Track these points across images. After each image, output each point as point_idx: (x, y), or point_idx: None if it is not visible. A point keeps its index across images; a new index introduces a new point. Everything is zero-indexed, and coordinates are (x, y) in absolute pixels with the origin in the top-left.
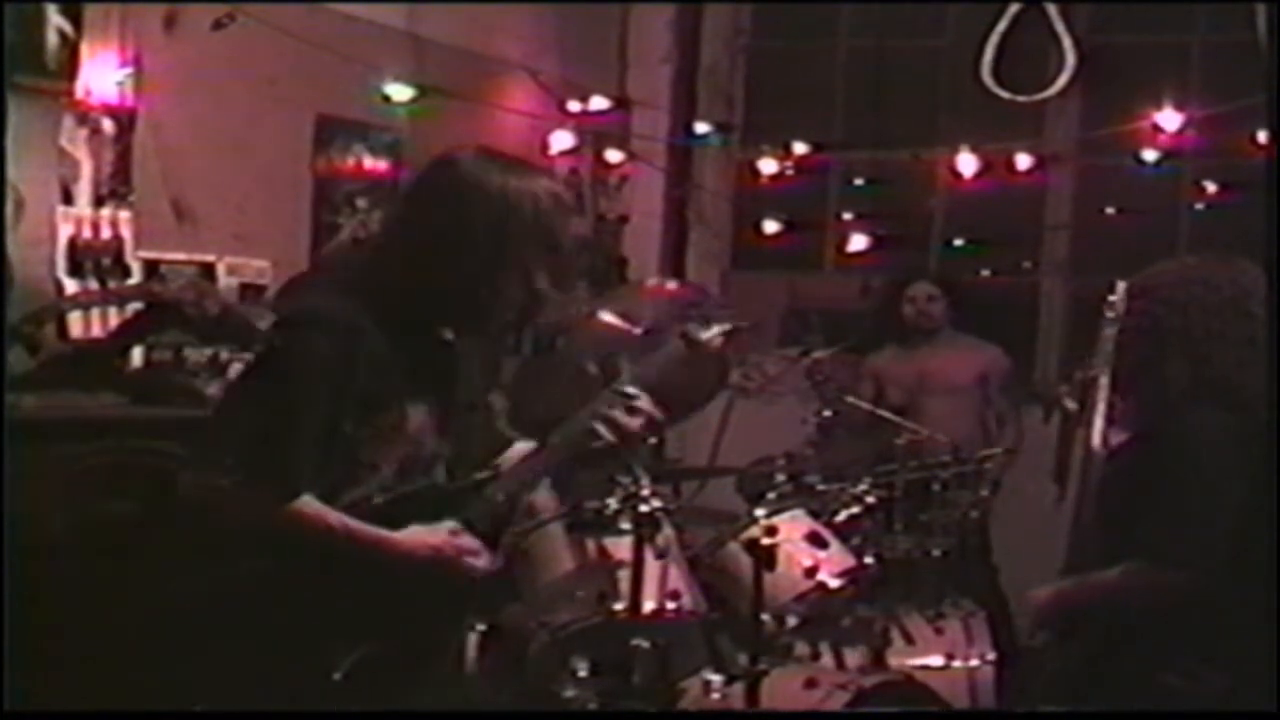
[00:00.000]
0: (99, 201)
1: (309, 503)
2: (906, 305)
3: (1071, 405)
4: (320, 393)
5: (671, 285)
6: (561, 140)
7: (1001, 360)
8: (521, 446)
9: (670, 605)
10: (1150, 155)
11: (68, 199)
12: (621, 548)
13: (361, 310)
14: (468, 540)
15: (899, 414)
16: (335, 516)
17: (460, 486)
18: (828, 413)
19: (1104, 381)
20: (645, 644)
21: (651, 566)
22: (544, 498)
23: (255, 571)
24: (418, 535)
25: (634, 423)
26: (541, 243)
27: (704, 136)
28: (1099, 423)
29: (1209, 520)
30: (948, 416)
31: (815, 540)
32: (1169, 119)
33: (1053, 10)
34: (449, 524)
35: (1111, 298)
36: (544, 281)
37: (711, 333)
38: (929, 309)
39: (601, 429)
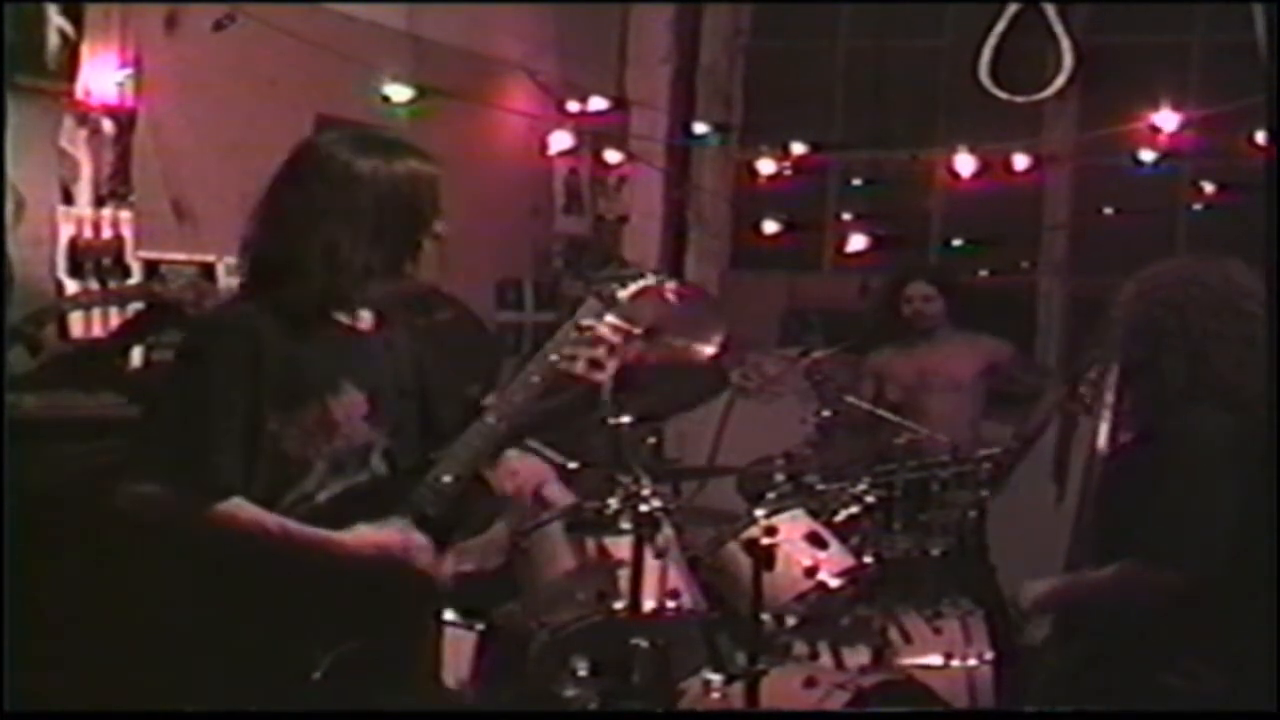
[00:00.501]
0: (99, 202)
1: (242, 505)
2: (904, 305)
3: (1076, 404)
4: (230, 393)
5: (671, 284)
6: (561, 140)
7: (1005, 349)
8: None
9: (670, 605)
10: (1148, 156)
11: (68, 199)
12: (621, 547)
13: (255, 306)
14: (414, 536)
15: (900, 412)
16: (272, 519)
17: (402, 475)
18: (827, 413)
19: (1110, 381)
20: (645, 643)
21: (651, 566)
22: (555, 490)
23: (218, 577)
24: (363, 534)
25: (591, 352)
26: (393, 220)
27: (703, 137)
28: (1104, 422)
29: (1205, 519)
30: (950, 414)
31: (815, 540)
32: (1167, 119)
33: (1051, 11)
34: (398, 522)
35: (1118, 298)
36: (390, 257)
37: (628, 290)
38: (925, 309)
39: (574, 367)
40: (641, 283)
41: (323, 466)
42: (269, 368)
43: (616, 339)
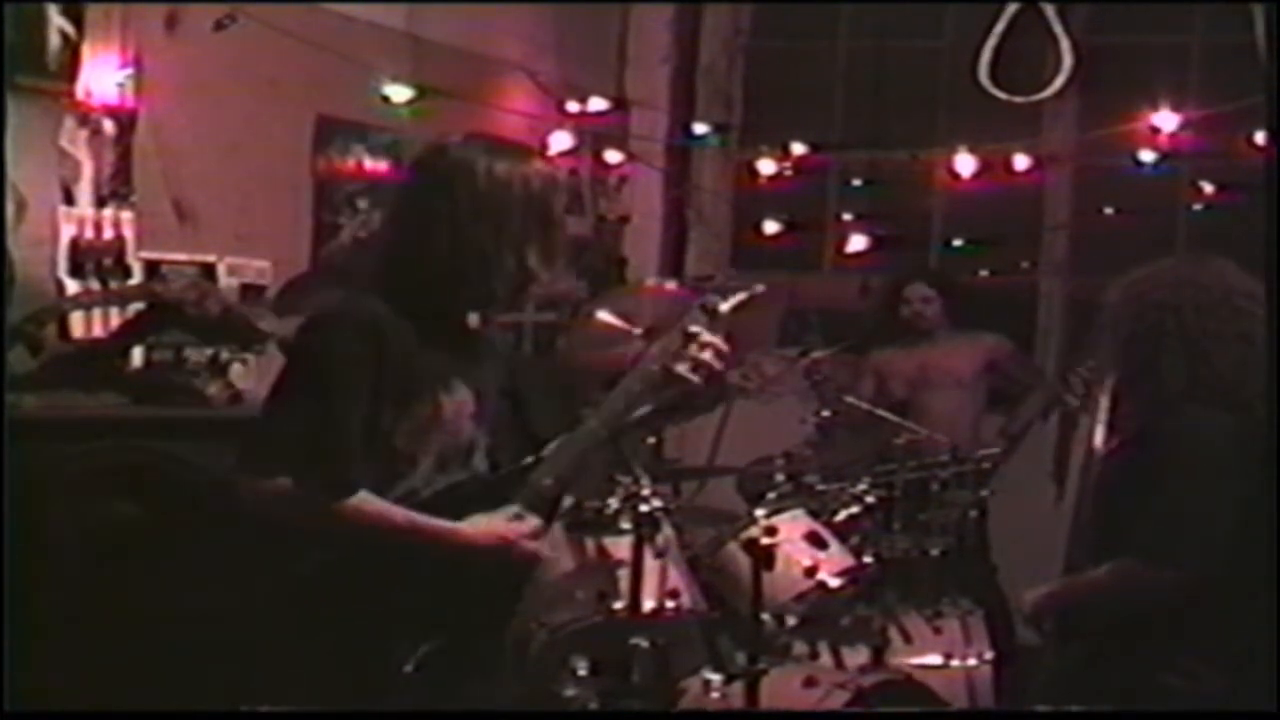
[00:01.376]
0: (100, 202)
1: (368, 499)
2: (903, 307)
3: (1074, 401)
4: (357, 389)
5: (671, 285)
6: (561, 141)
7: (1004, 346)
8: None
9: (670, 604)
10: (1148, 156)
11: (69, 199)
12: (621, 547)
13: (380, 303)
14: (530, 524)
15: (901, 412)
16: (399, 511)
17: (505, 474)
18: (827, 413)
19: (1105, 382)
20: (645, 643)
21: (651, 566)
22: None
23: (323, 568)
24: (482, 524)
25: (705, 356)
26: (533, 221)
27: (703, 137)
28: (1099, 424)
29: (1204, 518)
30: (951, 413)
31: (815, 540)
32: (1166, 120)
33: (1051, 11)
34: (510, 509)
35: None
36: (535, 259)
37: (730, 302)
38: (924, 310)
39: (679, 369)
40: (744, 294)
41: (429, 463)
42: (390, 363)
43: (720, 346)
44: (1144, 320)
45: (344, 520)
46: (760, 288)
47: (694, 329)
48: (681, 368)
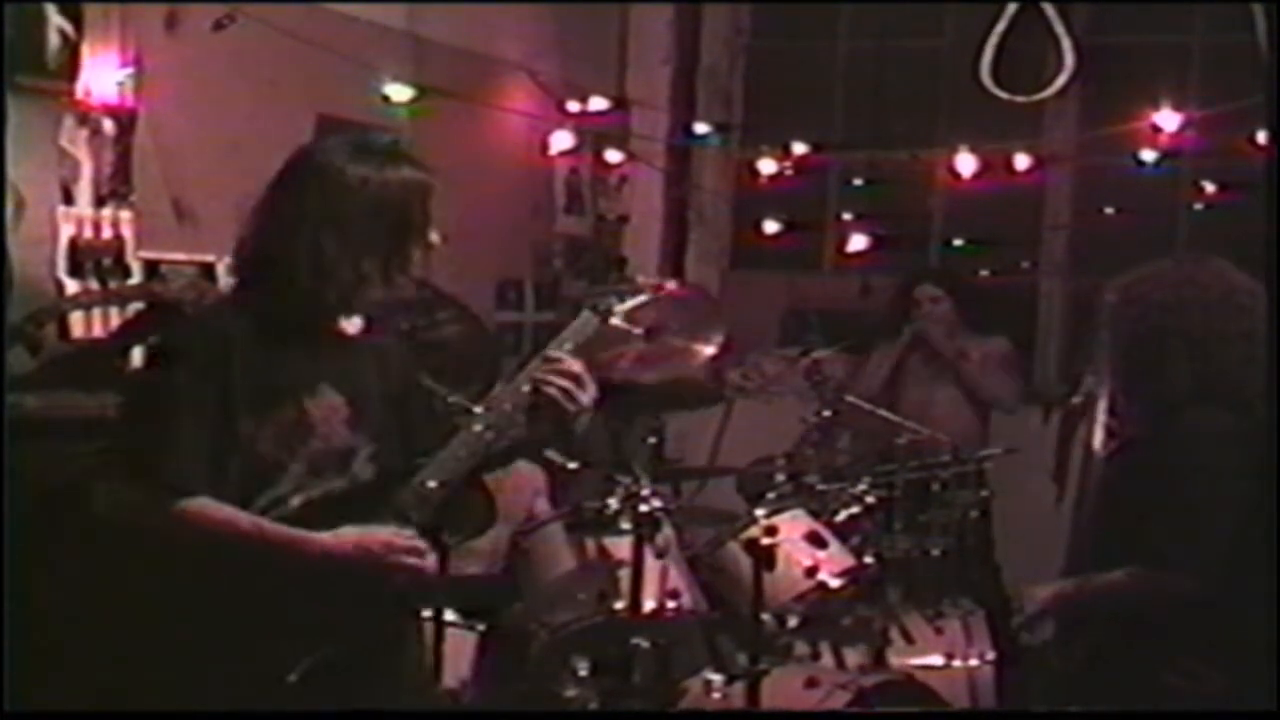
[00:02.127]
0: (100, 201)
1: (211, 504)
2: (913, 308)
3: (1075, 401)
4: (193, 394)
5: (671, 285)
6: (561, 140)
7: (1000, 345)
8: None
9: (670, 605)
10: (1149, 156)
11: (68, 199)
12: (621, 547)
13: (231, 309)
14: (402, 539)
15: (907, 412)
16: (246, 518)
17: (384, 479)
18: (827, 413)
19: (1102, 384)
20: (645, 643)
21: (651, 566)
22: (543, 504)
23: (197, 578)
24: (343, 534)
25: (562, 383)
26: (385, 227)
27: (703, 137)
28: (1099, 425)
29: (1219, 522)
30: (951, 414)
31: (815, 540)
32: (1167, 119)
33: (1051, 11)
34: (385, 526)
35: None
36: (382, 266)
37: (626, 305)
38: (933, 310)
39: (535, 390)
40: (641, 297)
41: (299, 469)
42: (240, 368)
43: (583, 373)
44: (1146, 321)
45: (183, 525)
46: (647, 295)
47: (554, 353)
48: (551, 391)
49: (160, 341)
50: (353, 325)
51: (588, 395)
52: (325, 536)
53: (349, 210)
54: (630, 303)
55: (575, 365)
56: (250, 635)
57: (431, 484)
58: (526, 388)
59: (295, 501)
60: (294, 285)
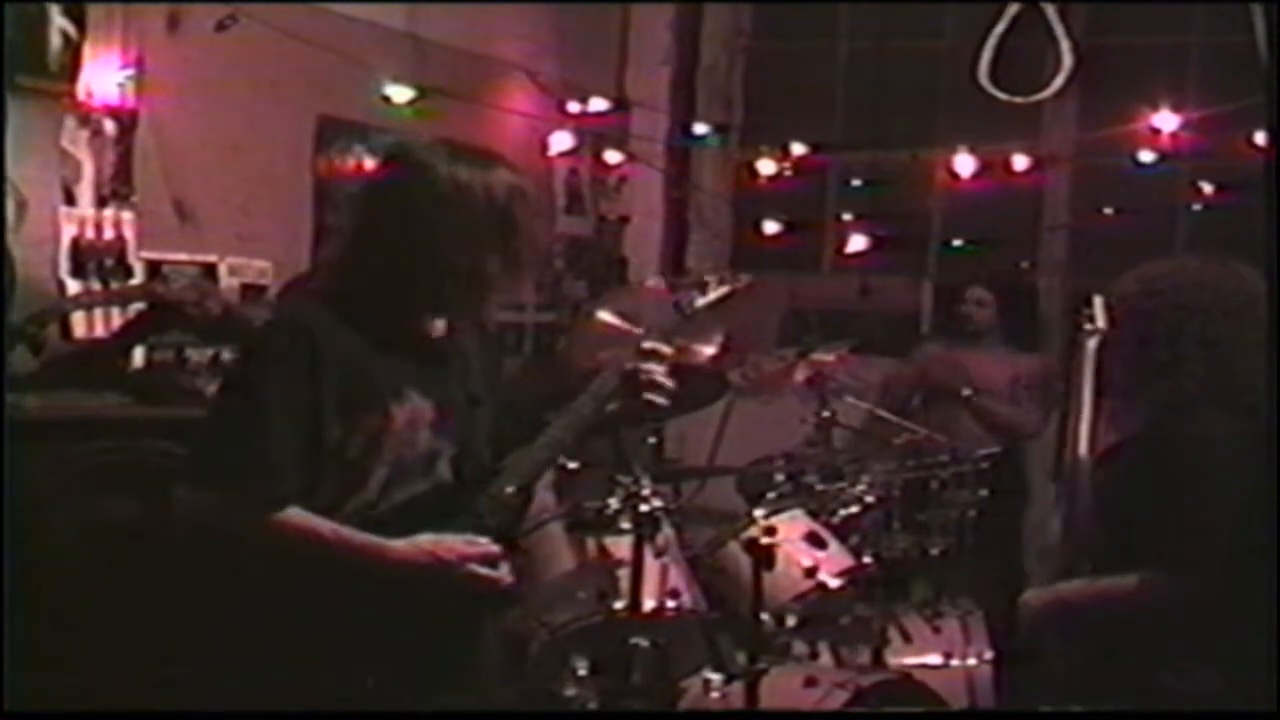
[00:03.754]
0: (101, 202)
1: (295, 513)
2: (961, 306)
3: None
4: (290, 402)
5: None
6: (561, 141)
7: (1035, 363)
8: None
9: (670, 604)
10: (1147, 156)
11: (70, 200)
12: (621, 547)
13: (321, 312)
14: (479, 547)
15: (931, 412)
16: (327, 526)
17: (465, 483)
18: (827, 413)
19: (1087, 388)
20: (645, 643)
21: (651, 566)
22: (543, 496)
23: (266, 582)
24: (419, 542)
25: (658, 374)
26: (492, 229)
27: (703, 137)
28: (1085, 429)
29: (1229, 529)
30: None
31: (814, 540)
32: (1166, 120)
33: (1051, 11)
34: (464, 535)
35: (1088, 309)
36: (493, 269)
37: (708, 298)
38: (975, 313)
39: (628, 381)
40: (722, 290)
41: (385, 474)
42: (330, 373)
43: (672, 361)
44: (1161, 319)
45: (270, 534)
46: (742, 281)
47: (650, 345)
48: (633, 381)
49: (248, 342)
50: (437, 328)
51: (673, 383)
52: (402, 544)
53: (452, 214)
54: (713, 295)
55: (666, 350)
56: (330, 641)
57: (509, 490)
58: (608, 388)
59: (382, 506)
60: (402, 287)
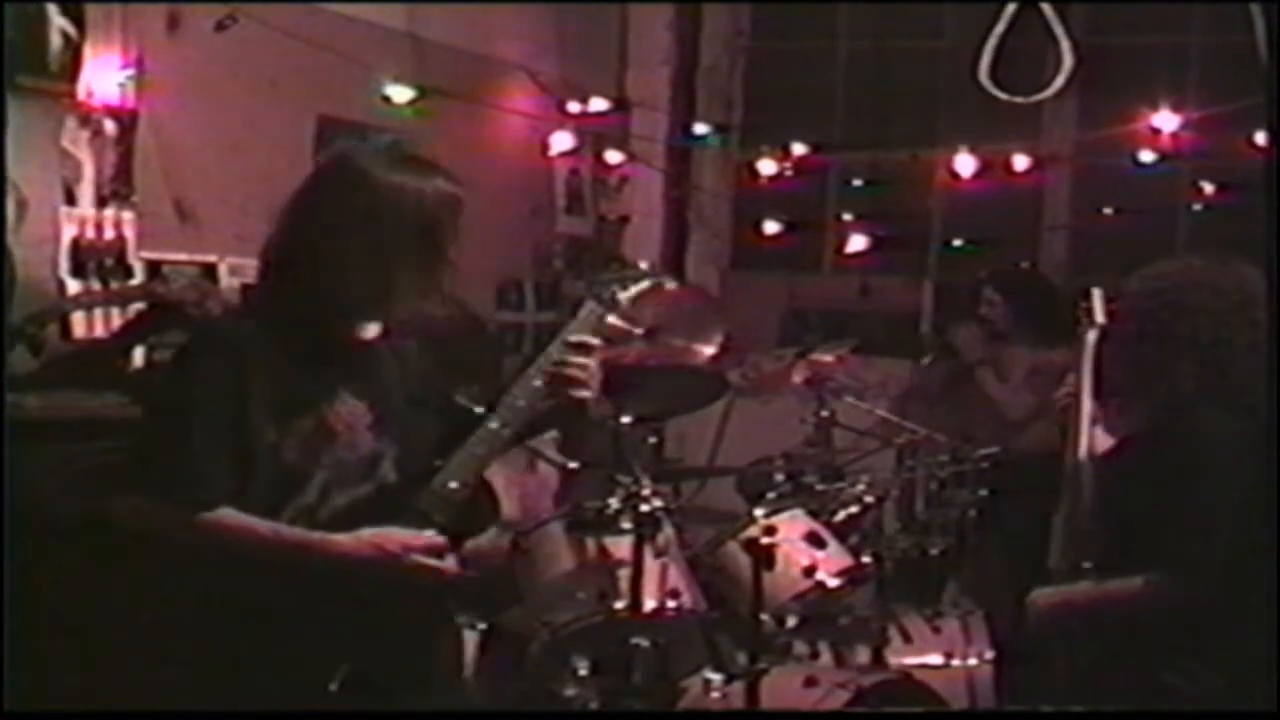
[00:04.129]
0: (101, 202)
1: (230, 514)
2: (982, 306)
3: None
4: (211, 407)
5: (670, 284)
6: (561, 141)
7: (1044, 358)
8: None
9: (670, 604)
10: (1148, 156)
11: (70, 200)
12: (621, 547)
13: (251, 317)
14: (419, 538)
15: (941, 409)
16: (264, 525)
17: (406, 482)
18: (826, 413)
19: (1086, 385)
20: (645, 643)
21: (651, 566)
22: (541, 497)
23: (220, 586)
24: (361, 535)
25: (576, 370)
26: (414, 239)
27: (703, 137)
28: (1084, 427)
29: (1232, 528)
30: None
31: (814, 540)
32: (1166, 120)
33: (1051, 11)
34: (405, 528)
35: (1087, 304)
36: (423, 278)
37: (631, 292)
38: (989, 313)
39: (553, 376)
40: (644, 284)
41: (324, 476)
42: (259, 377)
43: (598, 356)
44: (1160, 319)
45: (203, 536)
46: (664, 281)
47: (576, 338)
48: (567, 374)
49: (176, 349)
50: (372, 331)
51: (595, 382)
52: (343, 538)
53: (383, 218)
54: (634, 289)
55: (588, 348)
56: (280, 642)
57: (452, 484)
58: (539, 381)
59: (323, 509)
60: (321, 292)
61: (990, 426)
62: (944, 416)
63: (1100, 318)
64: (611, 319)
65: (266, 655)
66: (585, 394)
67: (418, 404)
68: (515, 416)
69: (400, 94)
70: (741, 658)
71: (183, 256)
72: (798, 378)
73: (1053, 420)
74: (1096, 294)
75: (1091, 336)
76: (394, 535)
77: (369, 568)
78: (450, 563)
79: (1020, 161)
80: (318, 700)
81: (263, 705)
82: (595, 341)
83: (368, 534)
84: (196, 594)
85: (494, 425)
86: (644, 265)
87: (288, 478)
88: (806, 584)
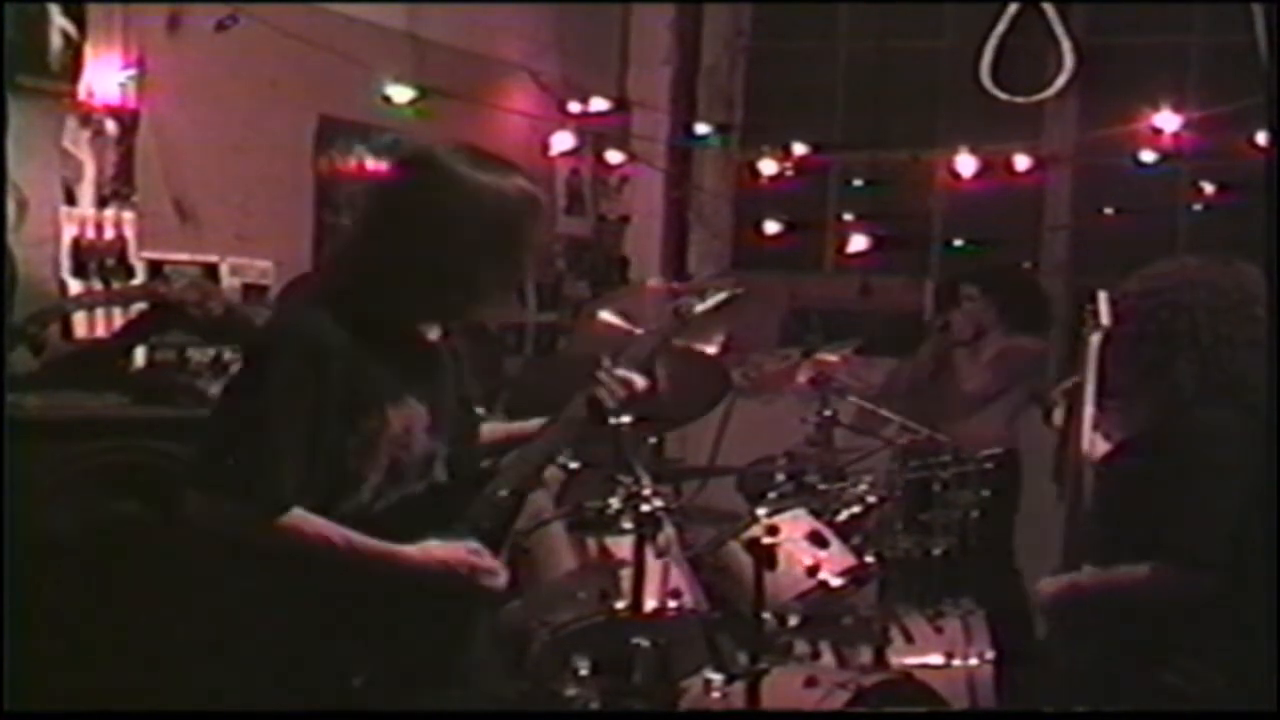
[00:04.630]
0: (102, 202)
1: (304, 517)
2: (954, 306)
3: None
4: (292, 408)
5: (673, 285)
6: (562, 141)
7: (1018, 342)
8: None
9: (671, 604)
10: (1148, 156)
11: (71, 199)
12: (623, 547)
13: (323, 316)
14: (485, 558)
15: (933, 409)
16: (337, 531)
17: (459, 485)
18: (828, 413)
19: (1089, 386)
20: (646, 643)
21: (652, 566)
22: (542, 498)
23: (271, 586)
24: (429, 549)
25: (629, 392)
26: (496, 240)
27: (704, 137)
28: (1087, 427)
29: (1236, 520)
30: (971, 416)
31: (816, 539)
32: (1167, 120)
33: (1051, 11)
34: (469, 543)
35: (1092, 305)
36: (491, 279)
37: (707, 304)
38: (971, 309)
39: (602, 398)
40: (721, 295)
41: (379, 477)
42: (332, 378)
43: (646, 385)
44: (1160, 318)
45: (280, 539)
46: (728, 293)
47: (621, 373)
48: (604, 399)
49: (253, 346)
50: (435, 331)
51: (629, 414)
52: (413, 550)
53: (466, 219)
54: (711, 301)
55: (639, 379)
56: (335, 643)
57: (503, 493)
58: (590, 398)
59: (378, 507)
60: (402, 293)
61: (956, 405)
62: (925, 403)
63: (1106, 320)
64: (612, 319)
65: (319, 659)
66: (620, 421)
67: (469, 405)
68: (575, 428)
69: (400, 94)
70: (743, 658)
71: (184, 256)
72: (802, 378)
73: (1008, 404)
74: (1102, 296)
75: (1096, 339)
76: (460, 552)
77: (431, 579)
78: (503, 580)
79: (1021, 161)
80: (353, 700)
81: (302, 705)
82: (641, 382)
83: (435, 547)
84: (261, 594)
85: (551, 435)
86: (712, 276)
87: (347, 476)
88: (809, 584)
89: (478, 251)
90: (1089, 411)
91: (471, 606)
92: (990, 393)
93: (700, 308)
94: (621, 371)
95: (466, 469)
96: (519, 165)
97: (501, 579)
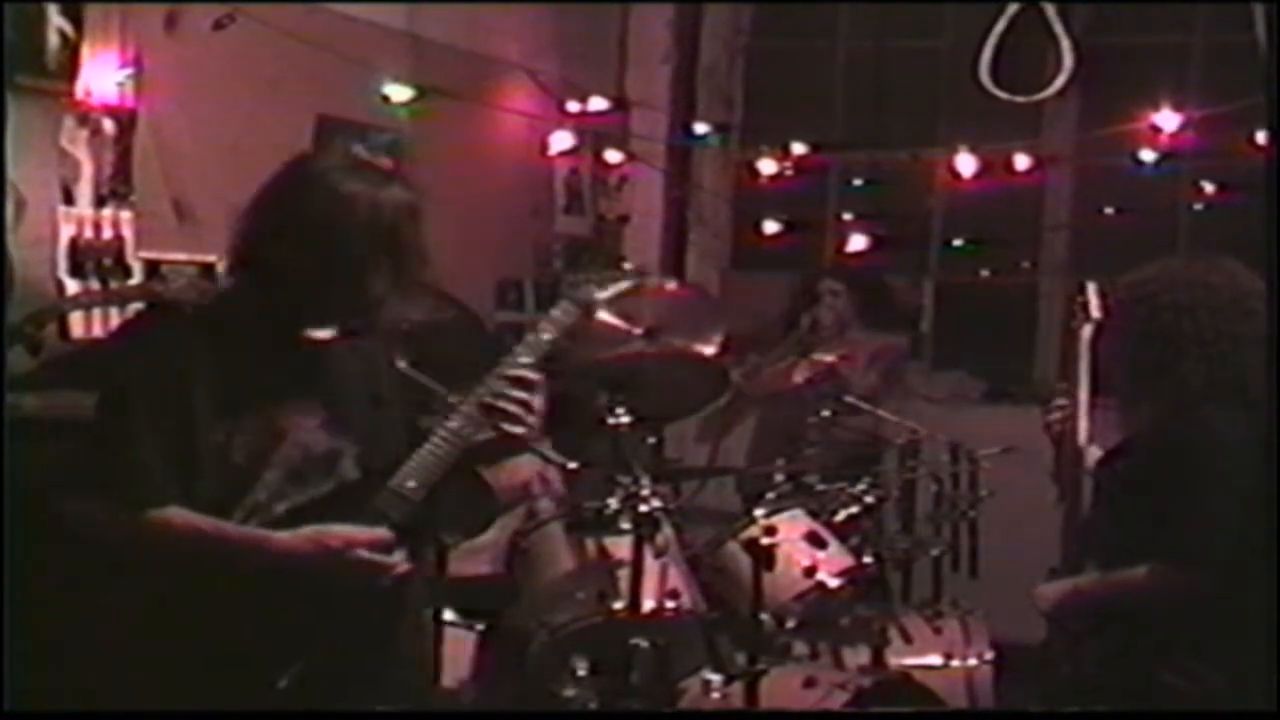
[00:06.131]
0: (100, 202)
1: (176, 512)
2: (814, 302)
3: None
4: (152, 406)
5: (671, 285)
6: (561, 141)
7: (885, 343)
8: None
9: (670, 605)
10: (1148, 156)
11: (68, 199)
12: (621, 547)
13: (191, 320)
14: (364, 534)
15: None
16: (208, 523)
17: (365, 481)
18: (827, 413)
19: (1082, 378)
20: (645, 643)
21: (651, 566)
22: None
23: (170, 585)
24: (301, 531)
25: (521, 399)
26: (378, 246)
27: (703, 137)
28: (1084, 424)
29: (1239, 520)
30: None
31: (814, 540)
32: (1167, 119)
33: (1051, 11)
34: (368, 530)
35: (1082, 298)
36: (379, 285)
37: (607, 293)
38: (833, 304)
39: (490, 408)
40: (622, 284)
41: (276, 475)
42: (202, 378)
43: (538, 391)
44: (1156, 320)
45: (151, 536)
46: (630, 281)
47: (514, 372)
48: (505, 408)
49: (114, 354)
50: (324, 332)
51: (534, 417)
52: (284, 535)
53: (336, 225)
54: (612, 289)
55: (528, 382)
56: (226, 640)
57: (410, 484)
58: (479, 406)
59: (279, 508)
60: (271, 293)
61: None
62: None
63: (1096, 312)
64: (610, 318)
65: (214, 654)
66: (520, 430)
67: (384, 403)
68: (475, 418)
69: (400, 94)
70: (741, 658)
71: (181, 256)
72: (799, 378)
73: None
74: (1091, 288)
75: (1087, 331)
76: (336, 531)
77: (310, 563)
78: (399, 558)
79: (1021, 161)
80: (265, 700)
81: (210, 705)
82: (536, 377)
83: (309, 530)
84: (147, 594)
85: (453, 425)
86: (628, 265)
87: (236, 476)
88: (807, 584)
89: (355, 257)
90: (1083, 406)
91: (376, 596)
92: (878, 394)
93: (601, 295)
94: (513, 371)
95: (380, 465)
96: (400, 175)
97: (397, 556)
